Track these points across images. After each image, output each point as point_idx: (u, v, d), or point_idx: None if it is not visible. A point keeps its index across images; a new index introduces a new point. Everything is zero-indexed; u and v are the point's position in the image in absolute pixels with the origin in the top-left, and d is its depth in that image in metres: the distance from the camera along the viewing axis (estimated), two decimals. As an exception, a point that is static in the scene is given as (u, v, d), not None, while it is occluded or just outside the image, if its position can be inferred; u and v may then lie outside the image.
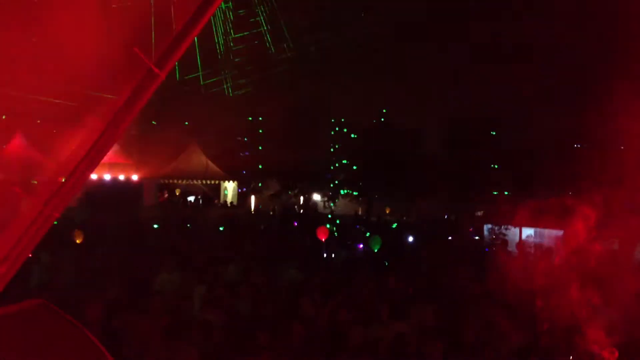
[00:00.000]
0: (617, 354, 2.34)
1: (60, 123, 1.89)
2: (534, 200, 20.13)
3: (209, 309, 7.83)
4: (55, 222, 1.88)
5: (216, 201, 34.67)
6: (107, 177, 28.60)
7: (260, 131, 33.36)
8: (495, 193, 27.16)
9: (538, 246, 19.22)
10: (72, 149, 1.95)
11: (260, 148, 33.04)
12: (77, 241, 12.54)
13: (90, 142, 1.95)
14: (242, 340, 6.46)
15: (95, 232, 14.67)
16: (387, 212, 31.58)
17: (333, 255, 14.63)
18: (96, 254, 12.06)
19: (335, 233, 17.74)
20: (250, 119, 33.36)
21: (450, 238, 19.52)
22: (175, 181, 33.81)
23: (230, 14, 34.64)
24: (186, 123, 34.46)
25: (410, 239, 18.19)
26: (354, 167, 33.34)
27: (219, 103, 34.09)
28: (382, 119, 33.38)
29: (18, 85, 1.87)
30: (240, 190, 35.48)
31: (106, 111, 1.98)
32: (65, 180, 1.88)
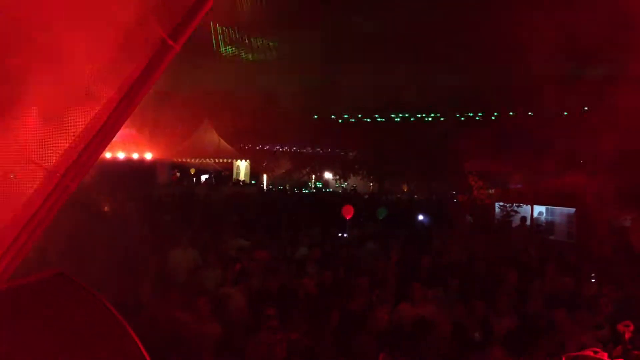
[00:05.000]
0: (632, 327, 2.32)
1: (74, 95, 1.88)
2: (546, 179, 20.05)
3: (225, 286, 7.92)
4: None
5: (232, 180, 34.81)
6: (121, 155, 28.73)
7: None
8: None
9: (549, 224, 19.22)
10: (88, 122, 1.96)
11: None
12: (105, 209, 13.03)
13: (106, 114, 1.96)
14: (257, 316, 6.52)
15: (109, 210, 14.81)
16: (405, 190, 31.55)
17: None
18: (111, 232, 12.18)
19: None
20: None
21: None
22: (188, 160, 33.91)
23: None
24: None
25: (420, 217, 18.26)
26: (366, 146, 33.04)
27: (232, 80, 33.87)
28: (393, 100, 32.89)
29: (30, 57, 1.86)
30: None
31: (121, 83, 1.97)
32: (82, 151, 1.89)
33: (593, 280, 9.18)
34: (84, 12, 1.91)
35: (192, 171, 33.49)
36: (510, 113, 30.65)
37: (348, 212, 14.37)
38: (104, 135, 1.95)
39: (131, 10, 1.90)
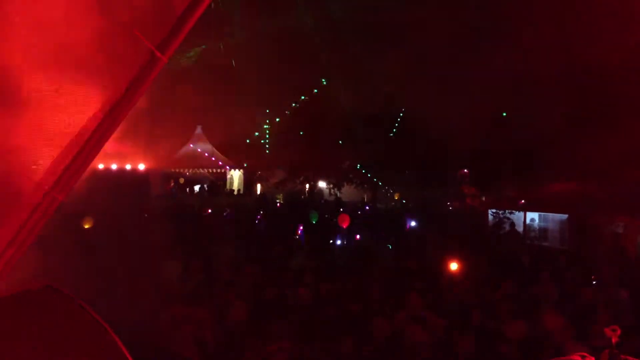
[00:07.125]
0: (619, 331, 2.34)
1: (62, 107, 1.89)
2: (538, 186, 20.11)
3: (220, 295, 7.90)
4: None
5: (225, 189, 34.73)
6: (114, 166, 28.56)
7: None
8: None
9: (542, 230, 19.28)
10: (76, 133, 1.96)
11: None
12: (86, 226, 12.84)
13: (94, 126, 1.96)
14: (253, 324, 6.51)
15: (101, 222, 14.71)
16: (397, 198, 31.37)
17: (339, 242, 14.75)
18: (103, 244, 12.11)
19: None
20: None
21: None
22: (182, 170, 33.77)
23: None
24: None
25: (412, 223, 18.31)
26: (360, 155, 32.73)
27: (224, 90, 33.76)
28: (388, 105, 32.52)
29: (14, 69, 1.86)
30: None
31: (109, 95, 1.98)
32: (69, 163, 1.89)
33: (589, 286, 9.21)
34: (73, 25, 1.92)
35: (182, 181, 33.29)
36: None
37: (344, 221, 14.41)
38: (92, 146, 1.96)
39: (120, 22, 1.91)
